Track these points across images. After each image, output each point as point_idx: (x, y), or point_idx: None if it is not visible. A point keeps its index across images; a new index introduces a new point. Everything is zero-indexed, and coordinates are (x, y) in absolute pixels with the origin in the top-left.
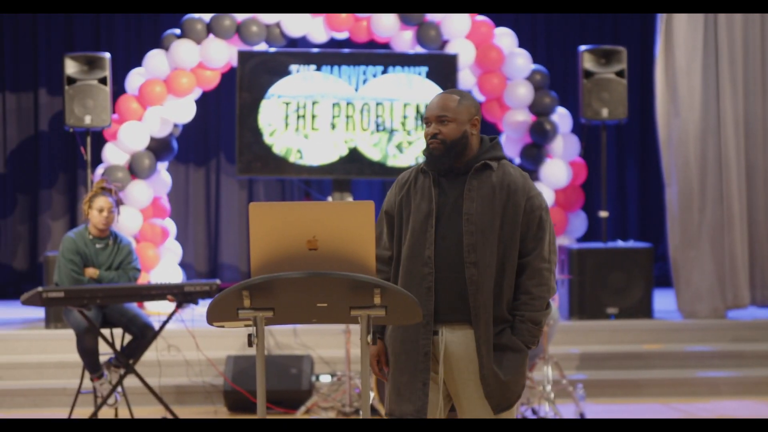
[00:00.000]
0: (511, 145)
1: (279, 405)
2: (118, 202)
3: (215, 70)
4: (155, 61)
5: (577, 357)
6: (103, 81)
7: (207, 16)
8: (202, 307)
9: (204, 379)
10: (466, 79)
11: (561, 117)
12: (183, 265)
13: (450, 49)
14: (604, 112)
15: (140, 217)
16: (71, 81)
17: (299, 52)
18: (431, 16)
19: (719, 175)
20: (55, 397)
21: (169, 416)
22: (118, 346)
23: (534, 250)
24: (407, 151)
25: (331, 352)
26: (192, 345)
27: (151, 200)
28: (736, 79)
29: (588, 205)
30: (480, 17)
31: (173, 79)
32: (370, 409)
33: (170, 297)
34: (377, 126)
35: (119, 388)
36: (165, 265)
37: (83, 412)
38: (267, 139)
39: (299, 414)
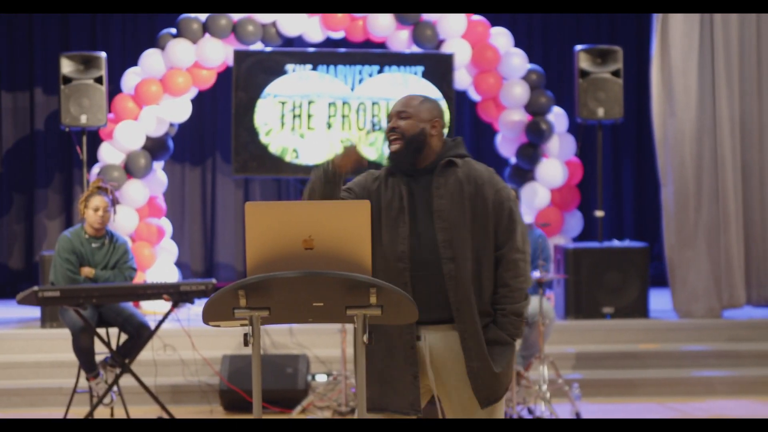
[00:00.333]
0: (507, 145)
1: (275, 404)
2: (114, 202)
3: (211, 69)
4: (151, 60)
5: (572, 356)
6: (99, 80)
7: (203, 16)
8: (198, 306)
9: (200, 378)
10: (462, 78)
11: (557, 116)
12: (179, 264)
13: (446, 49)
14: (600, 112)
15: (136, 216)
16: (67, 80)
17: (295, 51)
18: (427, 16)
19: (715, 175)
20: (51, 397)
21: (165, 416)
22: (113, 346)
23: (507, 242)
24: None
25: (327, 352)
26: (188, 344)
27: (147, 199)
28: (732, 78)
29: (584, 204)
30: (476, 17)
31: (169, 78)
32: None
33: (166, 296)
34: (373, 125)
35: (115, 388)
36: (161, 264)
37: (79, 411)
38: (263, 139)
39: (295, 413)
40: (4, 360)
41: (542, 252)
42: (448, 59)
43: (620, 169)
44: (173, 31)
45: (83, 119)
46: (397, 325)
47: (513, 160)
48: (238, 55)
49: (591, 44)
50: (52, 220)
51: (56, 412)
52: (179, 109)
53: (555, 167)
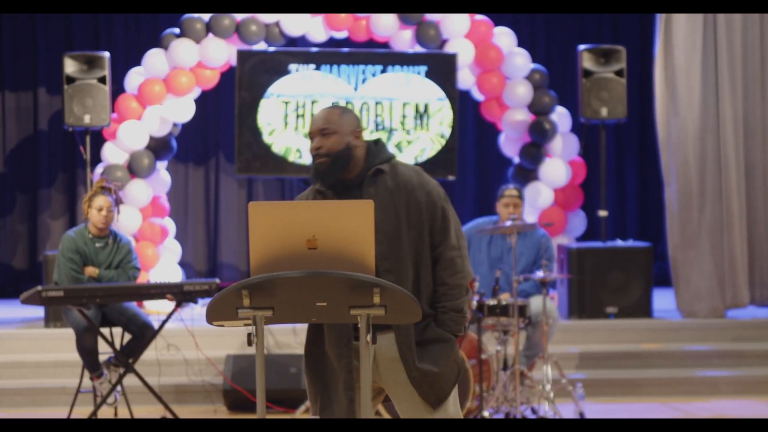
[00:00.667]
0: (510, 145)
1: (279, 404)
2: (118, 201)
3: (214, 69)
4: (154, 60)
5: (576, 356)
6: (102, 80)
7: (206, 16)
8: (202, 306)
9: (203, 378)
10: (465, 78)
11: (560, 116)
12: (182, 264)
13: (449, 49)
14: (604, 112)
15: (140, 216)
16: (70, 80)
17: (298, 51)
18: (430, 16)
19: (718, 175)
20: (54, 396)
21: (169, 415)
22: (117, 345)
23: (443, 241)
24: (406, 150)
25: None
26: (191, 344)
27: (151, 199)
28: (735, 78)
29: (587, 204)
30: (479, 16)
31: (172, 78)
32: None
33: (170, 296)
34: (376, 125)
35: (119, 388)
36: (164, 264)
37: (83, 411)
38: (266, 139)
39: (299, 413)
40: (7, 360)
41: (545, 252)
42: (451, 59)
43: (623, 169)
44: (176, 30)
45: (87, 119)
46: (337, 348)
47: (516, 159)
48: (242, 55)
49: (594, 44)
50: (56, 220)
51: (60, 412)
52: (182, 109)
53: (558, 167)
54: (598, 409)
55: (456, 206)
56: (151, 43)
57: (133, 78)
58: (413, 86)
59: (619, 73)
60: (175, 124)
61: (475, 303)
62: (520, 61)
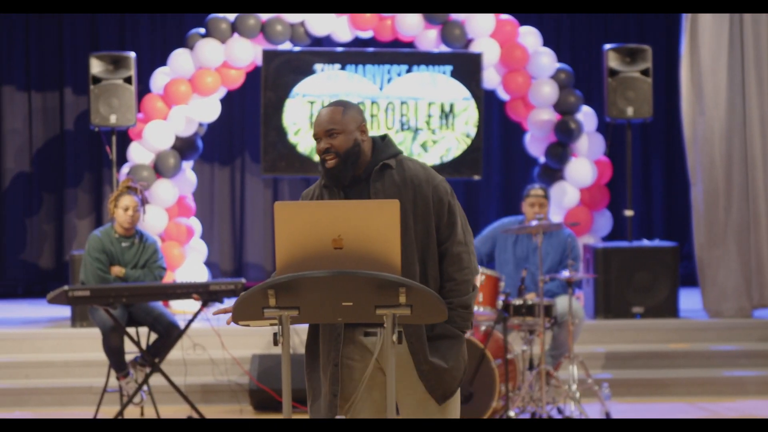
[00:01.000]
0: (535, 144)
1: (305, 404)
2: (144, 201)
3: (240, 69)
4: (180, 60)
5: (602, 356)
6: (128, 80)
7: (231, 16)
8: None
9: (229, 377)
10: (491, 77)
11: (586, 116)
12: (208, 263)
13: (474, 48)
14: (629, 111)
15: (165, 216)
16: (96, 80)
17: (324, 51)
18: (456, 16)
19: (745, 174)
20: (81, 396)
21: (195, 415)
22: (143, 345)
23: (450, 236)
24: (432, 150)
25: None
26: (217, 344)
27: (177, 199)
28: (762, 77)
29: (613, 204)
30: (504, 16)
31: (198, 78)
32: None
33: (195, 296)
34: (402, 125)
35: (145, 387)
36: (190, 263)
37: (109, 410)
38: (291, 138)
39: None
40: (34, 359)
41: (571, 251)
42: (476, 58)
43: (649, 169)
44: (202, 30)
45: (113, 119)
46: (327, 343)
47: (542, 159)
48: (267, 55)
49: (620, 43)
50: (82, 220)
51: (86, 411)
52: (208, 109)
53: (584, 166)
54: (624, 409)
55: (481, 206)
56: (176, 43)
57: (159, 78)
58: (438, 86)
59: (645, 72)
60: (200, 124)
61: (501, 302)
62: (545, 61)
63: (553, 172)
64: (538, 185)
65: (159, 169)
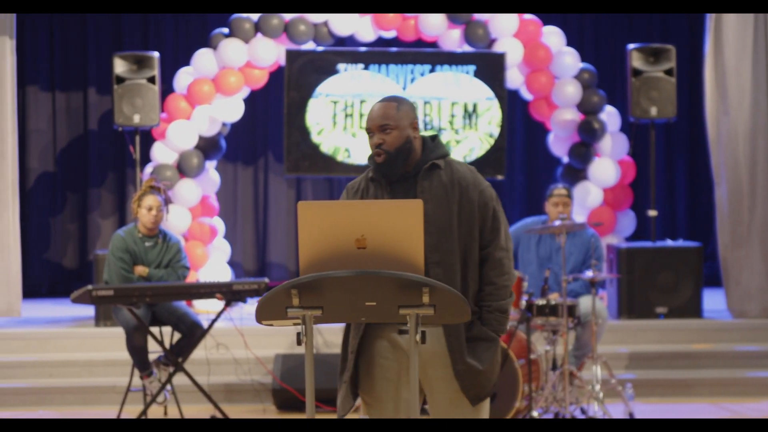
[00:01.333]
0: (559, 144)
1: (328, 403)
2: (167, 201)
3: (263, 69)
4: (203, 60)
5: (626, 356)
6: (151, 80)
7: (255, 16)
8: (251, 305)
9: (253, 377)
10: (514, 77)
11: (609, 115)
12: (231, 263)
13: (498, 48)
14: (653, 111)
15: (189, 215)
16: (120, 80)
17: (347, 51)
18: (479, 15)
19: None
20: (104, 395)
21: (218, 415)
22: (167, 344)
23: (492, 241)
24: (455, 149)
25: None
26: (241, 343)
27: (200, 199)
28: None
29: (637, 204)
30: (528, 16)
31: (221, 78)
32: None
33: (219, 295)
34: (425, 125)
35: (168, 386)
36: (213, 263)
37: (133, 410)
38: (315, 138)
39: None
40: (58, 358)
41: (595, 251)
42: (500, 58)
43: (673, 169)
44: (225, 30)
45: (136, 119)
46: (354, 337)
47: (565, 159)
48: (290, 55)
49: (643, 43)
50: (106, 219)
51: (110, 411)
52: (231, 109)
53: (608, 166)
54: (647, 410)
55: (505, 206)
56: (200, 43)
57: (183, 78)
58: (462, 86)
59: (668, 72)
60: (224, 124)
61: (524, 303)
62: (569, 61)
63: (576, 172)
64: (562, 185)
65: (182, 169)
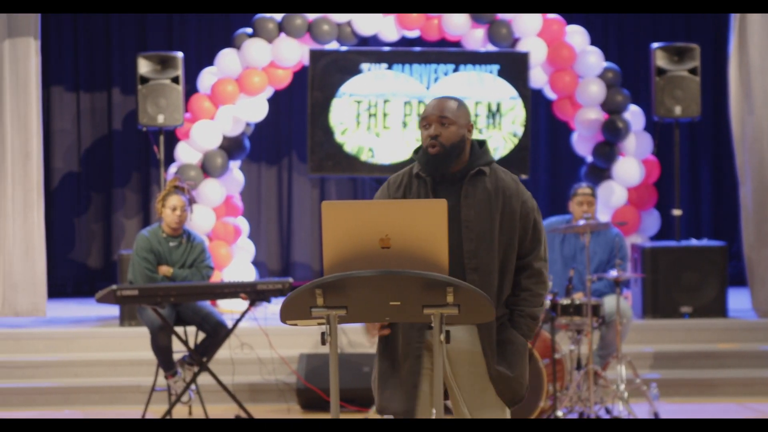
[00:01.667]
0: (583, 143)
1: (352, 403)
2: (191, 201)
3: (287, 68)
4: (227, 60)
5: (650, 356)
6: (175, 80)
7: (278, 16)
8: (275, 305)
9: (277, 377)
10: (538, 77)
11: (633, 115)
12: (255, 263)
13: (521, 47)
14: (677, 110)
15: (213, 215)
16: (144, 80)
17: (370, 50)
18: (502, 15)
19: None
20: (129, 395)
21: (243, 414)
22: (191, 344)
23: (533, 251)
24: None
25: None
26: (265, 343)
27: (224, 199)
28: None
29: (661, 203)
30: (551, 15)
31: (245, 78)
32: (444, 408)
33: (243, 295)
34: None
35: (193, 386)
36: (238, 263)
37: (157, 409)
38: (338, 138)
39: (372, 412)
40: (83, 358)
41: (619, 251)
42: (523, 58)
43: (698, 168)
44: (249, 30)
45: (160, 119)
46: (408, 332)
47: (589, 158)
48: (314, 55)
49: (668, 42)
50: (130, 219)
51: (135, 410)
52: (255, 109)
53: (632, 166)
54: (672, 410)
55: None
56: (223, 43)
57: (206, 78)
58: (485, 85)
59: (692, 71)
60: (247, 124)
61: (548, 302)
62: (592, 60)
63: (600, 172)
64: (586, 184)
65: (206, 169)
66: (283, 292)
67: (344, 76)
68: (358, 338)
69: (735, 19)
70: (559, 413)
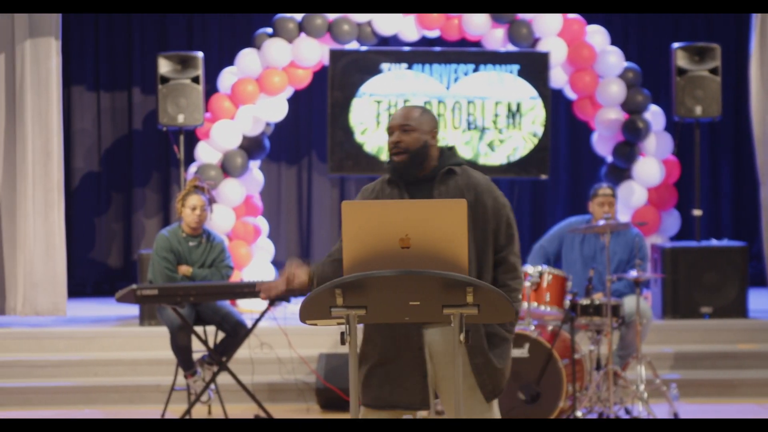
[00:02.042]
0: (603, 143)
1: None
2: (211, 201)
3: (307, 68)
4: (247, 59)
5: (670, 356)
6: (195, 80)
7: (299, 16)
8: (295, 304)
9: (296, 376)
10: (558, 77)
11: (654, 115)
12: (275, 263)
13: (541, 47)
14: (698, 110)
15: (233, 215)
16: (164, 80)
17: (390, 50)
18: (522, 15)
19: None
20: (149, 394)
21: (262, 414)
22: (211, 344)
23: (507, 246)
24: (499, 149)
25: None
26: (284, 343)
27: (244, 198)
28: None
29: (681, 203)
30: (572, 15)
31: (265, 77)
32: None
33: (263, 294)
34: (468, 124)
35: (212, 386)
36: (257, 263)
37: (177, 409)
38: (358, 138)
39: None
40: (103, 357)
41: (639, 251)
42: (543, 57)
43: (718, 168)
44: (269, 30)
45: (180, 119)
46: (405, 329)
47: (609, 158)
48: (334, 55)
49: (688, 42)
50: (150, 219)
51: (154, 410)
52: (275, 109)
53: (652, 166)
54: (692, 410)
55: (548, 205)
56: (244, 43)
57: (227, 78)
58: (505, 85)
59: (713, 71)
60: (268, 124)
61: (568, 302)
62: (613, 60)
63: (620, 172)
64: (606, 184)
65: (226, 169)
66: (303, 292)
67: (364, 76)
68: None
69: (756, 19)
70: (579, 413)
